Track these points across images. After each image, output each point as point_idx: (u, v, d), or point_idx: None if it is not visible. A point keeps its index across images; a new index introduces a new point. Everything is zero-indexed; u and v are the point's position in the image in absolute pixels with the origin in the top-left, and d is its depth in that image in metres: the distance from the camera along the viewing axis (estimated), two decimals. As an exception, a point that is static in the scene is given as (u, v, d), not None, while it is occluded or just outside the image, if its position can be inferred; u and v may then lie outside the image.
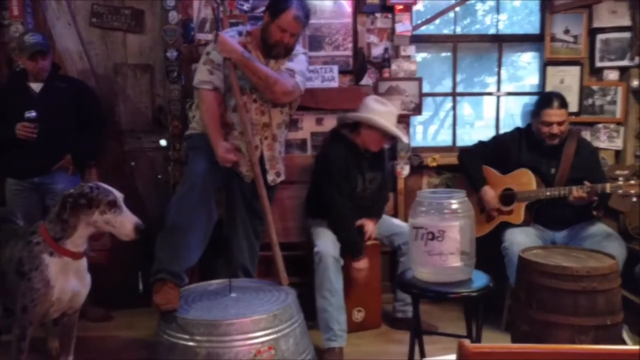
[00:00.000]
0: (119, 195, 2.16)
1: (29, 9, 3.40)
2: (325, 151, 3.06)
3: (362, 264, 2.98)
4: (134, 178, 3.63)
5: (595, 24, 3.66)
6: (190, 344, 2.27)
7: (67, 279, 2.17)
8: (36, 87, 3.16)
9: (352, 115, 3.00)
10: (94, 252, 3.39)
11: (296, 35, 2.77)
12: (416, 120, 3.77)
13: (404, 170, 3.63)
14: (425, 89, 4.13)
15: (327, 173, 2.97)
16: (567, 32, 3.69)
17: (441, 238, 2.06)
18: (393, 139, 3.09)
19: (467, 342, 1.18)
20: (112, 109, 3.57)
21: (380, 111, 2.92)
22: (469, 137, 5.46)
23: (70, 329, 2.35)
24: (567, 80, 3.70)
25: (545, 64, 3.73)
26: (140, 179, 3.65)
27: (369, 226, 3.10)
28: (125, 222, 2.12)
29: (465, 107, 8.71)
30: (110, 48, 3.55)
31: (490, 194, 3.18)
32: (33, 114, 3.04)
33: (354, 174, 3.00)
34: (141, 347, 3.00)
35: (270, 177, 2.87)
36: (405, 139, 3.09)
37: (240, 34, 2.80)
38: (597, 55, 3.69)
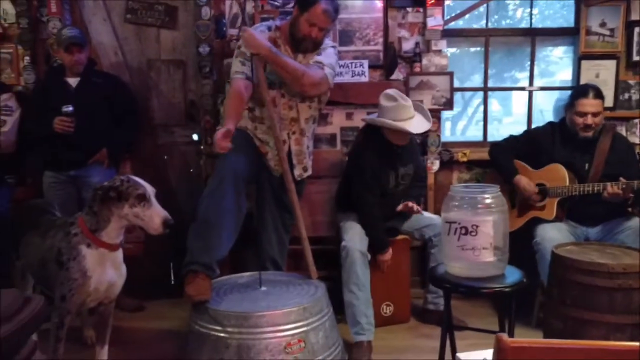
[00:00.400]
0: (149, 189, 2.18)
1: (67, 5, 3.49)
2: (358, 149, 3.06)
3: (386, 256, 3.04)
4: (167, 171, 3.69)
5: (633, 17, 3.58)
6: (222, 335, 2.30)
7: (104, 270, 2.21)
8: (73, 82, 3.24)
9: (369, 120, 2.99)
10: (129, 244, 3.48)
11: (325, 30, 2.77)
12: (444, 115, 3.74)
13: (434, 165, 3.61)
14: (455, 84, 4.09)
15: (359, 171, 2.97)
16: (603, 25, 3.61)
17: (474, 233, 2.05)
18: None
19: (505, 336, 1.18)
20: (146, 103, 3.62)
21: (391, 108, 2.85)
22: (497, 133, 5.39)
23: (106, 318, 2.40)
24: (602, 75, 3.63)
25: (580, 58, 3.66)
26: (173, 173, 3.70)
27: (411, 203, 3.06)
28: (153, 216, 2.13)
29: (494, 104, 8.62)
30: (144, 44, 3.61)
31: (524, 180, 3.12)
32: (70, 108, 3.10)
33: (386, 171, 3.00)
34: (172, 338, 3.06)
35: (297, 172, 2.88)
36: (421, 130, 2.94)
37: (269, 28, 2.81)
38: (635, 48, 3.60)
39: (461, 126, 7.86)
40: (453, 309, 3.17)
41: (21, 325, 1.19)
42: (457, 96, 4.47)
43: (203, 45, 3.47)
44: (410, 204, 3.05)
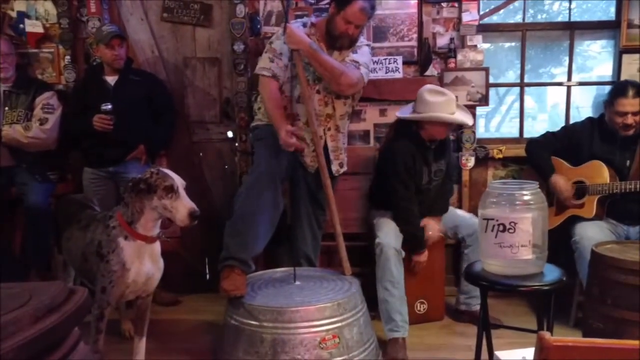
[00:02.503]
0: (178, 181, 2.20)
1: (105, 5, 3.57)
2: (391, 146, 3.03)
3: (422, 257, 3.01)
4: (202, 168, 3.73)
5: (677, 9, 3.47)
6: (257, 329, 2.33)
7: (142, 262, 2.26)
8: (111, 80, 3.31)
9: (413, 117, 2.95)
10: (167, 238, 3.55)
11: (361, 27, 2.77)
12: (478, 112, 3.69)
13: (469, 161, 3.56)
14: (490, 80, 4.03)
15: (394, 168, 2.95)
16: (645, 17, 3.51)
17: (512, 230, 2.01)
18: (458, 125, 3.06)
19: (547, 334, 1.16)
20: (182, 100, 3.67)
21: (439, 102, 2.86)
22: (532, 129, 5.29)
23: (144, 311, 2.45)
24: (644, 69, 3.53)
25: (621, 52, 3.56)
26: (208, 169, 3.74)
27: (431, 226, 3.08)
28: (180, 208, 2.15)
29: (528, 100, 8.45)
30: (180, 42, 3.66)
31: (561, 182, 3.06)
32: (109, 106, 3.17)
33: (420, 167, 2.98)
34: (207, 331, 3.11)
35: (334, 168, 2.90)
36: (470, 122, 3.00)
37: (304, 25, 2.83)
38: (679, 42, 3.49)
39: (495, 123, 7.73)
40: (488, 307, 3.16)
41: (66, 316, 1.22)
42: (491, 92, 4.40)
43: (238, 43, 3.51)
44: (428, 226, 3.06)
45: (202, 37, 3.65)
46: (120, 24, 3.55)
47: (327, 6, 2.91)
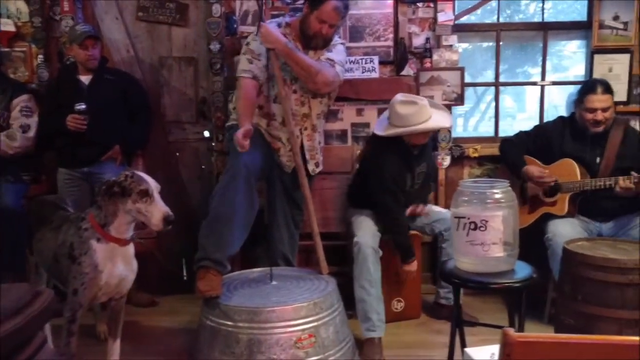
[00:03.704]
0: (152, 185, 2.18)
1: (79, 4, 3.54)
2: (377, 156, 2.98)
3: (412, 266, 3.00)
4: (178, 168, 3.72)
5: (647, 10, 3.54)
6: (232, 329, 2.31)
7: (115, 265, 2.24)
8: (85, 79, 3.27)
9: (390, 134, 2.90)
10: (140, 240, 3.52)
11: (335, 27, 2.78)
12: (457, 111, 3.72)
13: (445, 160, 3.60)
14: (467, 79, 4.07)
15: (381, 180, 2.92)
16: (616, 18, 3.56)
17: (484, 228, 2.04)
18: None
19: (511, 331, 1.18)
20: (158, 100, 3.65)
21: (412, 114, 2.83)
22: (510, 129, 5.35)
23: (118, 313, 2.42)
24: (616, 69, 3.59)
25: (592, 52, 3.62)
26: (185, 169, 3.73)
27: (420, 207, 3.11)
28: (154, 212, 2.14)
29: (507, 100, 8.55)
30: (155, 41, 3.64)
31: (533, 168, 3.08)
32: (83, 106, 3.14)
33: (404, 174, 2.98)
34: (184, 332, 3.08)
35: (310, 167, 2.90)
36: (448, 123, 3.01)
37: (279, 25, 2.83)
38: (649, 42, 3.57)
39: (473, 122, 7.81)
40: (464, 304, 3.19)
41: (31, 318, 1.21)
42: (470, 92, 4.46)
43: (214, 43, 3.50)
44: (418, 209, 3.09)
45: (178, 37, 3.63)
46: (94, 23, 3.52)
47: (303, 6, 2.91)
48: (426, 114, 2.85)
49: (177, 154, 3.71)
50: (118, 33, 3.59)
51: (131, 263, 2.34)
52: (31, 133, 3.27)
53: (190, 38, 3.63)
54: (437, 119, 2.89)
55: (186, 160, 3.72)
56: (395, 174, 2.93)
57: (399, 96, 2.92)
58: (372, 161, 3.02)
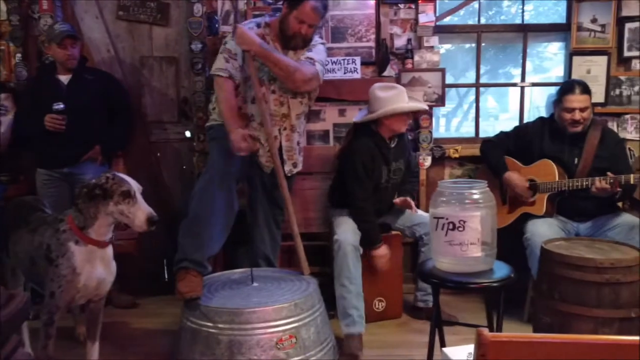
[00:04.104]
0: (134, 186, 2.17)
1: (58, 2, 3.49)
2: (351, 145, 3.05)
3: (381, 251, 3.00)
4: (159, 168, 3.69)
5: (624, 12, 3.57)
6: (213, 331, 2.31)
7: (93, 267, 2.22)
8: (64, 79, 3.23)
9: (371, 117, 2.96)
10: (121, 241, 3.49)
11: (314, 27, 2.78)
12: (439, 112, 3.75)
13: (426, 161, 3.62)
14: (449, 80, 4.09)
15: (352, 167, 2.97)
16: (594, 21, 3.61)
17: (462, 228, 2.06)
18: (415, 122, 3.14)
19: (485, 331, 1.19)
20: (139, 100, 3.63)
21: (391, 96, 2.90)
22: (493, 129, 5.42)
23: (97, 315, 2.40)
24: (594, 70, 3.64)
25: (571, 54, 3.67)
26: (166, 170, 3.70)
27: (407, 199, 3.12)
28: (138, 214, 2.12)
29: (490, 100, 8.63)
30: (136, 40, 3.61)
31: (514, 176, 3.13)
32: (61, 106, 3.11)
33: (379, 166, 3.01)
34: (165, 334, 3.07)
35: (287, 168, 2.89)
36: (425, 106, 3.09)
37: (258, 25, 2.82)
38: (625, 44, 3.60)
39: (456, 122, 7.88)
40: (444, 304, 3.22)
41: (4, 321, 1.20)
42: (452, 92, 4.51)
43: (195, 42, 3.48)
44: (408, 199, 3.10)
45: (159, 36, 3.61)
46: (74, 22, 3.48)
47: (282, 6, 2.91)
48: (405, 98, 2.93)
49: (158, 154, 3.68)
50: (98, 32, 3.56)
51: (110, 265, 2.32)
52: (2, 129, 3.22)
53: (171, 37, 3.61)
54: (415, 103, 2.99)
55: (167, 161, 3.70)
56: (367, 161, 2.95)
57: (377, 84, 3.00)
58: (346, 146, 3.08)
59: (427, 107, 3.16)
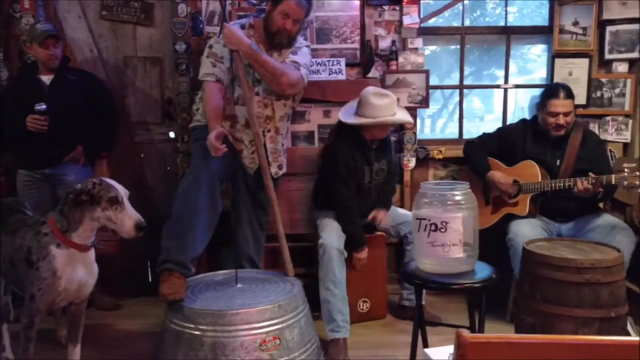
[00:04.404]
0: (122, 192, 2.15)
1: (40, 1, 3.46)
2: (333, 145, 3.07)
3: (362, 254, 3.04)
4: (143, 169, 3.67)
5: (605, 16, 3.63)
6: (196, 333, 2.29)
7: (75, 270, 2.19)
8: (47, 79, 3.20)
9: (361, 122, 2.95)
10: (103, 243, 3.45)
11: (299, 22, 2.78)
12: (425, 113, 3.77)
13: (410, 162, 3.64)
14: (435, 81, 4.13)
15: (334, 167, 2.99)
16: (576, 23, 3.66)
17: (444, 229, 2.07)
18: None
19: (465, 331, 1.20)
20: (122, 101, 3.60)
21: (383, 105, 2.91)
22: (478, 130, 5.46)
23: (78, 317, 2.38)
24: (575, 73, 3.68)
25: (553, 56, 3.71)
26: (150, 171, 3.68)
27: (380, 214, 3.15)
28: (126, 220, 2.11)
29: (475, 101, 8.68)
30: (120, 41, 3.59)
31: (498, 174, 3.16)
32: (43, 106, 3.08)
33: (361, 166, 3.02)
34: (148, 336, 3.05)
35: (273, 170, 2.89)
36: (411, 120, 3.14)
37: (242, 26, 2.81)
38: (607, 47, 3.66)
39: (441, 123, 7.91)
40: (428, 304, 3.24)
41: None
42: (437, 93, 4.53)
43: (180, 43, 3.47)
44: (379, 215, 3.14)
45: (143, 36, 3.59)
46: (56, 22, 3.45)
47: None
48: (394, 108, 2.96)
49: (142, 155, 3.66)
50: (81, 32, 3.53)
51: (92, 268, 2.30)
52: None
53: (155, 38, 3.59)
54: (401, 115, 3.01)
55: (151, 162, 3.68)
56: (350, 162, 2.97)
57: (372, 88, 3.00)
58: (328, 146, 3.10)
59: (412, 121, 3.23)
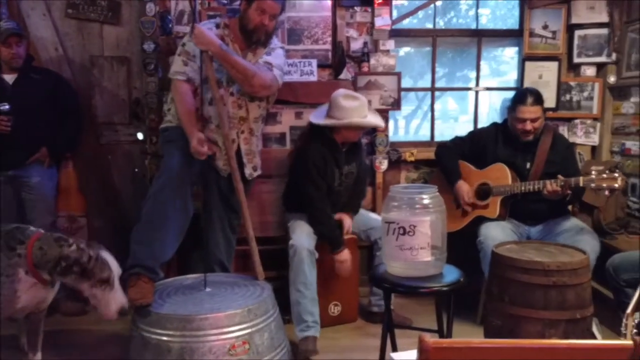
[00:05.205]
0: (115, 272, 2.12)
1: (3, -1, 3.36)
2: (303, 148, 3.05)
3: (343, 255, 2.98)
4: (110, 171, 3.61)
5: (574, 20, 3.69)
6: (164, 338, 2.25)
7: (36, 292, 2.14)
8: (10, 78, 3.12)
9: (332, 123, 2.95)
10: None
11: (275, 18, 2.76)
12: (399, 114, 3.78)
13: (382, 164, 3.64)
14: (408, 83, 4.14)
15: (305, 168, 2.97)
16: (545, 27, 3.71)
17: (412, 233, 2.07)
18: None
19: (427, 336, 1.20)
20: (89, 101, 3.54)
21: (354, 107, 2.91)
22: (452, 131, 5.51)
23: (37, 325, 2.32)
24: (545, 76, 3.73)
25: (524, 59, 3.75)
26: (117, 172, 3.62)
27: (347, 220, 3.13)
28: (111, 302, 2.09)
29: (450, 102, 8.75)
30: (86, 39, 3.52)
31: (464, 188, 3.20)
32: (6, 106, 3.01)
33: (331, 169, 3.01)
34: (114, 342, 2.99)
35: (247, 171, 2.87)
36: (382, 124, 3.16)
37: (217, 26, 2.78)
38: (575, 51, 3.72)
39: (415, 124, 7.95)
40: (400, 307, 3.24)
41: None
42: (412, 94, 4.54)
43: (148, 42, 3.40)
44: (345, 222, 3.12)
45: (110, 35, 3.52)
46: (19, 20, 3.36)
47: (240, 7, 2.88)
48: (365, 111, 2.96)
49: (109, 156, 3.60)
50: (45, 30, 3.45)
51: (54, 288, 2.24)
52: None
53: (123, 37, 3.53)
54: (372, 118, 3.01)
55: (119, 163, 3.62)
56: (320, 164, 2.96)
57: (342, 90, 3.00)
58: (300, 149, 3.08)
59: (383, 125, 3.26)
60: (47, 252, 2.08)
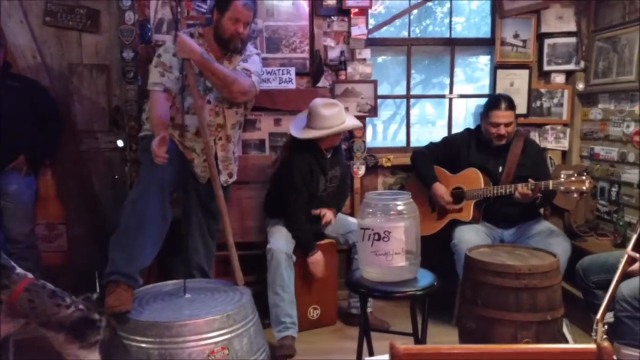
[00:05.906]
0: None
1: (-21, 6, 3.34)
2: (289, 159, 3.11)
3: (315, 257, 3.06)
4: (90, 179, 3.60)
5: (543, 29, 3.79)
6: (143, 345, 2.26)
7: (11, 329, 2.03)
8: (-14, 86, 3.11)
9: (317, 134, 3.02)
10: (50, 253, 3.36)
11: (249, 25, 2.80)
12: (377, 119, 3.84)
13: (360, 170, 3.70)
14: (385, 90, 4.21)
15: (291, 179, 3.03)
16: (516, 36, 3.81)
17: (387, 238, 2.12)
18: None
19: (398, 342, 1.25)
20: (68, 109, 3.53)
21: (333, 115, 3.00)
22: (429, 135, 5.58)
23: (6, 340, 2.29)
24: (516, 83, 3.83)
25: (496, 67, 3.85)
26: (97, 180, 3.62)
27: (328, 214, 3.20)
28: None
29: (427, 107, 8.83)
30: (65, 47, 3.51)
31: (441, 189, 3.27)
32: (-17, 114, 2.99)
33: (317, 176, 3.09)
34: (96, 349, 2.98)
35: (222, 178, 2.89)
36: (360, 124, 3.27)
37: (191, 35, 2.81)
38: (545, 59, 3.83)
39: (393, 130, 8.02)
40: (377, 310, 3.30)
41: None
42: (389, 100, 4.61)
43: (127, 50, 3.42)
44: (326, 215, 3.18)
45: (89, 43, 3.52)
46: (-3, 27, 3.34)
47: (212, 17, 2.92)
48: (343, 116, 3.06)
49: (89, 164, 3.59)
50: (23, 38, 3.43)
51: None
52: None
53: (102, 45, 3.53)
54: (350, 120, 3.12)
55: (99, 171, 3.61)
56: (306, 173, 3.03)
57: (319, 100, 3.08)
58: (286, 162, 3.13)
59: (361, 125, 3.35)
60: (38, 307, 1.88)
